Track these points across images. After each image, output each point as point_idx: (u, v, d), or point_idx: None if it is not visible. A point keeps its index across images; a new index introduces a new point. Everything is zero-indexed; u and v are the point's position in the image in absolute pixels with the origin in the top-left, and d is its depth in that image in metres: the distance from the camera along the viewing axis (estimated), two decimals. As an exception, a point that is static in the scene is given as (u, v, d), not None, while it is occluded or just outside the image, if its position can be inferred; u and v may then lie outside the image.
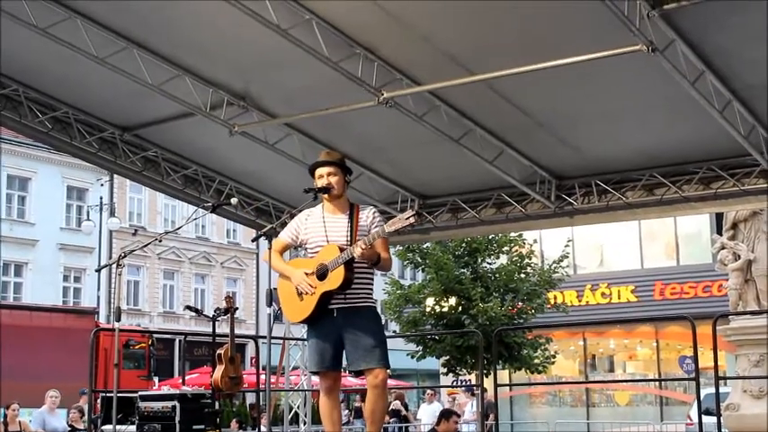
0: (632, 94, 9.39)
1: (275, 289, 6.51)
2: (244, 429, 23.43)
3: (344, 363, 6.55)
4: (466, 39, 8.59)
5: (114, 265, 8.14)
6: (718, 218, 20.26)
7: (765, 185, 10.33)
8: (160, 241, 7.84)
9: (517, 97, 9.57)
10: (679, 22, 7.77)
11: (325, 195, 6.46)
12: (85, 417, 14.67)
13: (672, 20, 7.70)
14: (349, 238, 6.33)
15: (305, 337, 7.42)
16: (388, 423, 22.83)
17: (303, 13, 8.28)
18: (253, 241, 6.66)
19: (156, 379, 25.84)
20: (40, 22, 8.72)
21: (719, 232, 15.97)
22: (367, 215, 6.47)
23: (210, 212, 6.60)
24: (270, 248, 6.58)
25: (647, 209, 11.26)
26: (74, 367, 18.43)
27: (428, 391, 24.66)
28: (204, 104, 10.12)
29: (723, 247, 14.90)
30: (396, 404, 24.35)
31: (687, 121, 9.62)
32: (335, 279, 6.21)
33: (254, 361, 23.89)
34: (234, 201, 8.42)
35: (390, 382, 32.28)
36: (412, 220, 6.01)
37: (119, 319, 7.86)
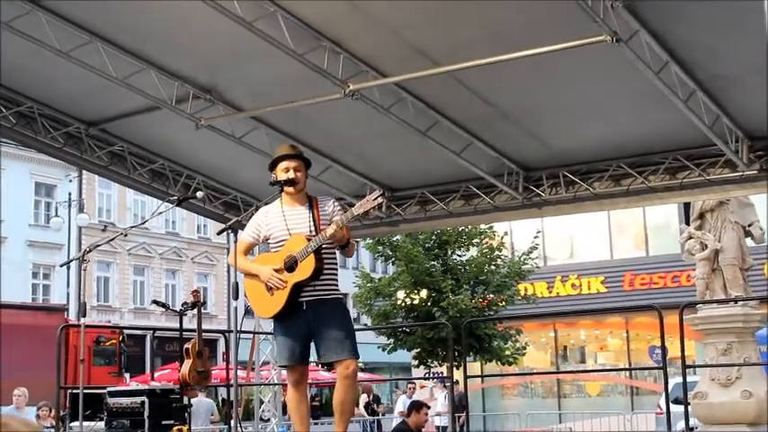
0: (597, 85, 9.42)
1: (240, 285, 6.50)
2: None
3: (313, 356, 6.55)
4: (431, 31, 8.58)
5: (81, 261, 8.07)
6: (686, 208, 20.39)
7: (730, 175, 10.41)
8: (125, 235, 7.79)
9: (483, 89, 9.57)
10: (643, 13, 7.79)
11: (290, 189, 6.46)
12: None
13: (636, 10, 7.72)
14: (312, 229, 6.34)
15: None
16: (362, 417, 22.87)
17: (268, 5, 8.23)
18: (218, 234, 6.64)
19: (127, 375, 25.72)
20: (2, 15, 8.63)
21: (687, 222, 16.09)
22: (328, 205, 6.51)
23: (176, 206, 6.58)
24: (234, 250, 6.59)
25: (615, 199, 11.30)
26: (44, 364, 18.23)
27: (408, 384, 24.74)
28: (170, 98, 10.06)
29: (690, 237, 15.02)
30: (363, 398, 24.37)
31: (652, 112, 9.66)
32: (306, 268, 6.21)
33: (224, 356, 23.84)
34: (200, 195, 8.40)
35: (362, 375, 32.37)
36: (380, 200, 6.13)
37: (84, 315, 7.81)
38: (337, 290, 6.46)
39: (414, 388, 23.70)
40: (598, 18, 7.39)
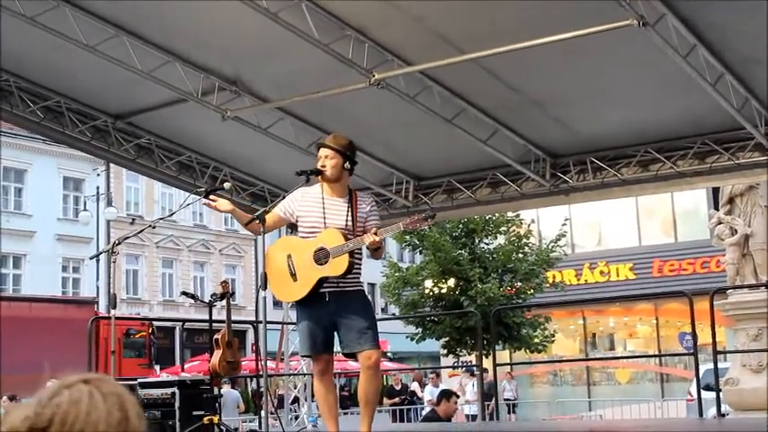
0: (624, 70, 9.36)
1: (264, 273, 6.49)
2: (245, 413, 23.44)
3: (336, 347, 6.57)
4: (456, 18, 8.55)
5: (110, 254, 8.11)
6: (715, 193, 20.23)
7: (760, 159, 10.32)
8: (154, 227, 7.81)
9: (509, 76, 9.54)
10: (670, -4, 7.75)
11: (320, 177, 6.46)
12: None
13: (662, -6, 7.67)
14: (349, 225, 6.34)
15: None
16: (401, 405, 22.87)
17: (292, -5, 8.25)
18: (246, 225, 6.63)
19: (157, 367, 25.87)
20: (28, 10, 8.67)
21: (716, 208, 15.97)
22: (366, 203, 6.50)
23: (204, 198, 6.59)
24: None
25: (643, 185, 11.24)
26: (75, 357, 18.37)
27: (430, 374, 24.71)
28: (196, 90, 10.09)
29: (720, 222, 14.91)
30: (414, 385, 24.40)
31: (680, 96, 9.59)
32: (339, 266, 6.21)
33: (253, 347, 23.91)
34: (227, 186, 8.35)
35: (391, 364, 32.39)
36: (430, 221, 6.26)
37: (114, 307, 7.86)
38: (360, 282, 6.49)
39: (436, 376, 23.59)
40: (624, 2, 7.33)
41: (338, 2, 8.46)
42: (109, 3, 8.91)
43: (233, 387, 20.61)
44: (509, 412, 25.99)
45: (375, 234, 6.11)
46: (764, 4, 7.75)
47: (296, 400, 14.40)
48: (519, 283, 25.62)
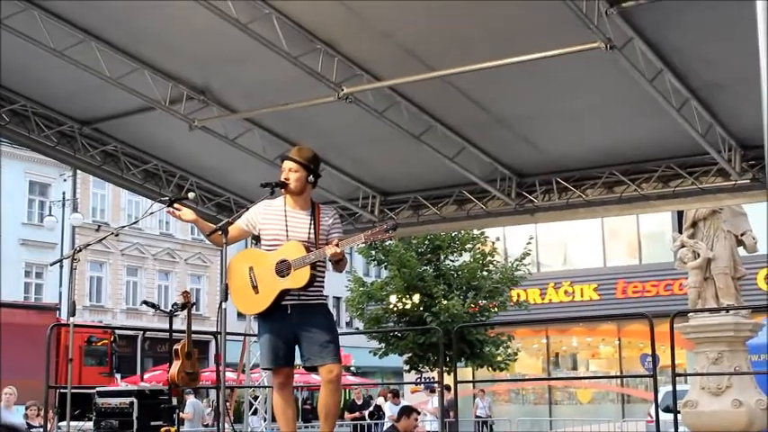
0: (591, 92, 9.42)
1: (226, 285, 6.46)
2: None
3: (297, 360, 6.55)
4: (426, 35, 8.58)
5: (71, 260, 8.05)
6: (680, 217, 20.41)
7: (723, 184, 10.43)
8: (116, 235, 7.76)
9: (477, 94, 9.58)
10: (637, 20, 7.82)
11: (283, 189, 6.43)
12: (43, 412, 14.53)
13: (630, 18, 7.74)
14: (311, 237, 6.31)
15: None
16: (363, 419, 22.76)
17: (263, 7, 8.25)
18: (208, 236, 6.60)
19: (118, 376, 25.65)
20: (-3, 13, 8.63)
21: (680, 231, 16.06)
22: (329, 216, 6.47)
23: (167, 207, 6.55)
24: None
25: (607, 207, 11.32)
26: (35, 364, 18.20)
27: (388, 393, 24.49)
28: (164, 98, 10.06)
29: (683, 246, 14.99)
30: (380, 400, 24.27)
31: (646, 120, 9.67)
32: (300, 278, 6.17)
33: (215, 358, 23.79)
34: (191, 195, 8.32)
35: (354, 379, 32.36)
36: (392, 233, 6.13)
37: (73, 314, 7.79)
38: (323, 295, 6.45)
39: (393, 396, 23.28)
40: (592, 25, 7.40)
41: (309, 15, 8.47)
42: (78, 8, 8.86)
43: (195, 397, 20.48)
44: (479, 430, 25.93)
45: (336, 246, 6.10)
46: (730, 30, 7.84)
47: (255, 412, 14.33)
48: (483, 301, 25.70)
